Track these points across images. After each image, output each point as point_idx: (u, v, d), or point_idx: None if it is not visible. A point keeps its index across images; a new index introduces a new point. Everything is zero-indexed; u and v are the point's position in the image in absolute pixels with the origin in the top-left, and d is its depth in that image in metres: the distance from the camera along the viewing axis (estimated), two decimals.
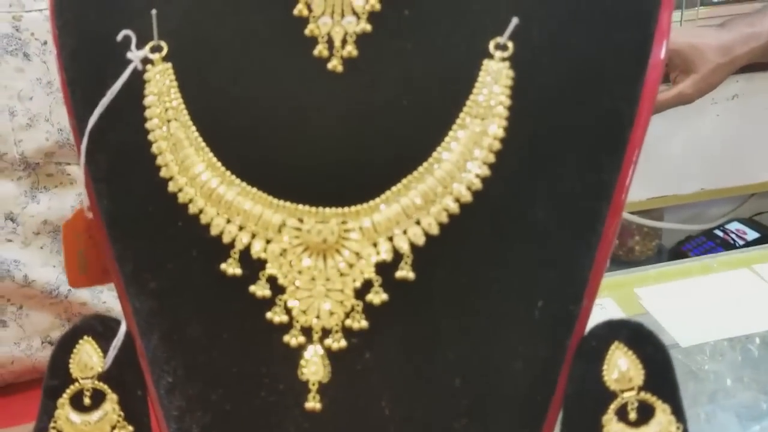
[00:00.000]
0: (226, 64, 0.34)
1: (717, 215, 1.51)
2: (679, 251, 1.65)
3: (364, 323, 0.33)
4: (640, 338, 0.34)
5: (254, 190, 0.33)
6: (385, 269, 0.33)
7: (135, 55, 0.34)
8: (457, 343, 0.34)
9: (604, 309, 0.72)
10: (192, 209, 0.34)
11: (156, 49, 0.34)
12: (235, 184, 0.33)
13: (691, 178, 1.36)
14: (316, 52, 0.34)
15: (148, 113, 0.34)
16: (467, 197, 0.32)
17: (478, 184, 0.32)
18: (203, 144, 0.34)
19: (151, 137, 0.34)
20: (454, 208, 0.32)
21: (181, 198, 0.34)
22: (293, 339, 0.33)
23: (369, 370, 0.34)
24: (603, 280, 0.76)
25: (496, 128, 0.33)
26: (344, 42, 0.34)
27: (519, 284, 0.34)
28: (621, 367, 0.33)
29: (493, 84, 0.33)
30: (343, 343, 0.33)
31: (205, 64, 0.35)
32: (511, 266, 0.34)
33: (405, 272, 0.33)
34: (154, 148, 0.34)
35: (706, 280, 0.76)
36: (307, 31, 0.34)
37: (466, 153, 0.32)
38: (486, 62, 0.33)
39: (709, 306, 0.72)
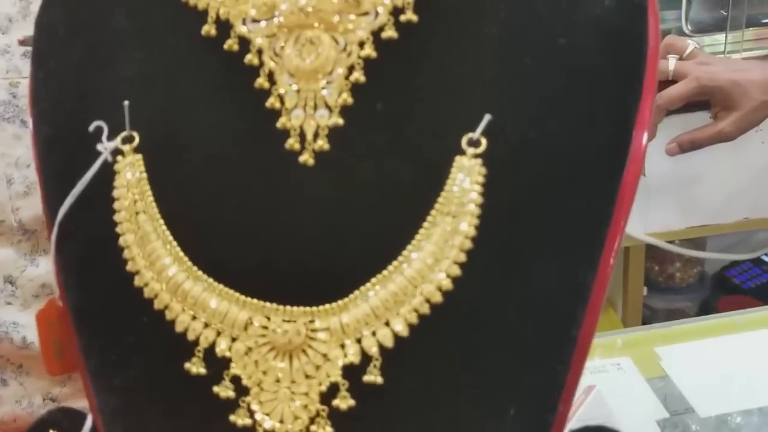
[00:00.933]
0: (197, 157, 0.34)
1: (763, 242, 1.46)
2: (722, 278, 1.61)
3: (329, 430, 0.32)
4: None
5: (221, 286, 0.33)
6: (352, 372, 0.32)
7: (105, 146, 0.34)
8: None
9: (621, 369, 0.70)
10: (157, 305, 0.33)
11: (127, 140, 0.34)
12: (202, 280, 0.33)
13: (734, 207, 1.33)
14: (287, 145, 0.33)
15: (116, 205, 0.34)
16: (437, 298, 0.31)
17: (448, 285, 0.32)
18: (170, 238, 0.33)
19: (118, 230, 0.34)
20: (425, 309, 0.32)
21: (147, 293, 0.33)
22: None
23: None
24: (622, 337, 0.74)
25: (467, 226, 0.32)
26: (316, 135, 0.33)
27: (490, 390, 0.33)
28: None
29: (465, 180, 0.32)
30: None
31: (175, 156, 0.34)
32: (482, 371, 0.33)
33: (373, 377, 0.32)
34: (121, 241, 0.34)
35: (733, 340, 0.73)
36: (278, 124, 0.34)
37: (436, 252, 0.32)
38: (458, 158, 0.32)
39: (734, 370, 0.69)
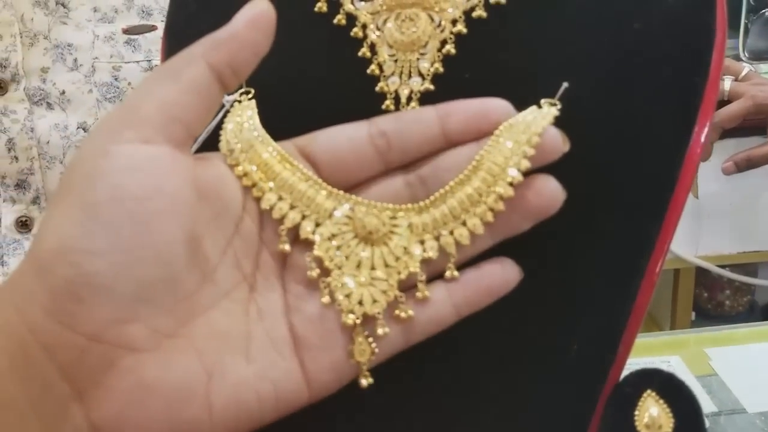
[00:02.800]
0: (306, 110, 0.39)
1: None
2: None
3: (410, 312, 0.34)
4: (671, 388, 0.36)
5: (313, 176, 0.35)
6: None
7: (227, 99, 0.38)
8: (479, 386, 0.36)
9: (671, 367, 0.72)
10: (245, 181, 0.35)
11: (246, 93, 0.39)
12: (295, 169, 0.35)
13: None
14: (384, 106, 0.38)
15: (224, 125, 0.37)
16: (510, 192, 0.34)
17: (520, 178, 0.34)
18: (273, 143, 0.36)
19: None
20: (500, 205, 0.34)
21: (237, 171, 0.35)
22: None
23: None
24: (672, 337, 0.76)
25: (538, 130, 0.34)
26: (409, 99, 0.38)
27: (557, 323, 0.36)
28: (652, 413, 0.35)
29: (538, 111, 0.35)
30: (386, 330, 0.34)
31: (286, 108, 0.39)
32: (548, 305, 0.36)
33: (450, 273, 0.35)
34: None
35: None
36: (377, 88, 0.38)
37: (507, 154, 0.34)
38: (533, 107, 0.36)
39: None
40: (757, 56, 1.30)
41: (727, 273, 1.32)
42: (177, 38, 0.43)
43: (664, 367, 0.72)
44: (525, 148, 0.34)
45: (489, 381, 0.37)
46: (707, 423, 0.65)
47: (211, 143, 0.38)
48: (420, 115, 0.36)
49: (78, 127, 0.75)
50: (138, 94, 0.33)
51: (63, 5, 0.76)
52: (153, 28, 0.77)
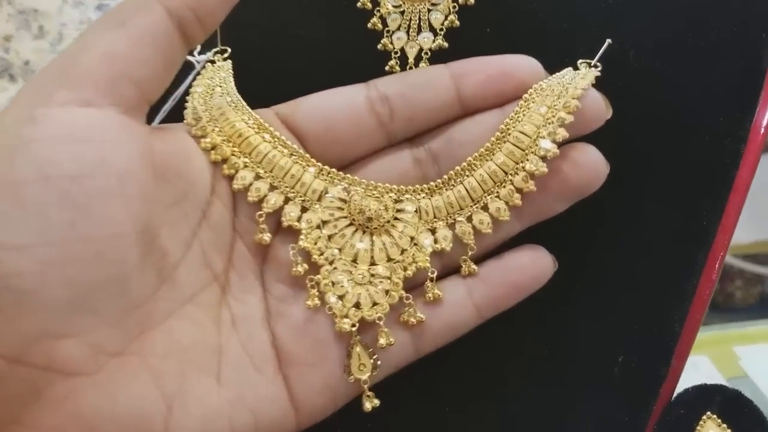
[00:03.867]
0: (291, 71, 0.33)
1: None
2: None
3: (419, 316, 0.29)
4: (737, 409, 0.30)
5: (300, 150, 0.29)
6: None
7: (197, 58, 0.32)
8: (518, 399, 0.31)
9: (697, 368, 0.66)
10: (214, 156, 0.29)
11: (220, 52, 0.32)
12: (278, 142, 0.29)
13: None
14: (387, 67, 0.32)
15: (194, 90, 0.31)
16: (543, 168, 0.28)
17: (555, 150, 0.28)
18: (249, 110, 0.30)
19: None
20: (530, 185, 0.28)
21: (203, 144, 0.29)
22: None
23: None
24: (698, 335, 0.70)
25: (578, 88, 0.28)
26: (418, 59, 0.32)
27: (599, 332, 0.31)
28: None
29: (576, 74, 0.29)
30: (391, 339, 0.28)
31: (268, 69, 0.33)
32: (587, 308, 0.31)
33: (466, 267, 0.29)
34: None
35: None
36: (379, 46, 0.32)
37: (539, 121, 0.28)
38: (569, 69, 0.30)
39: None
40: None
41: (740, 263, 1.26)
42: None
43: (691, 368, 0.67)
44: (561, 114, 0.28)
45: (518, 394, 0.32)
46: None
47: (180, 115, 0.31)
48: (429, 75, 0.30)
49: None
50: (77, 46, 0.26)
51: None
52: None
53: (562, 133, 0.28)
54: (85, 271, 0.24)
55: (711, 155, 0.30)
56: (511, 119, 0.29)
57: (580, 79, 0.29)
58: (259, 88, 0.31)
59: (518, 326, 0.30)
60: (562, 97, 0.28)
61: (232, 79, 0.30)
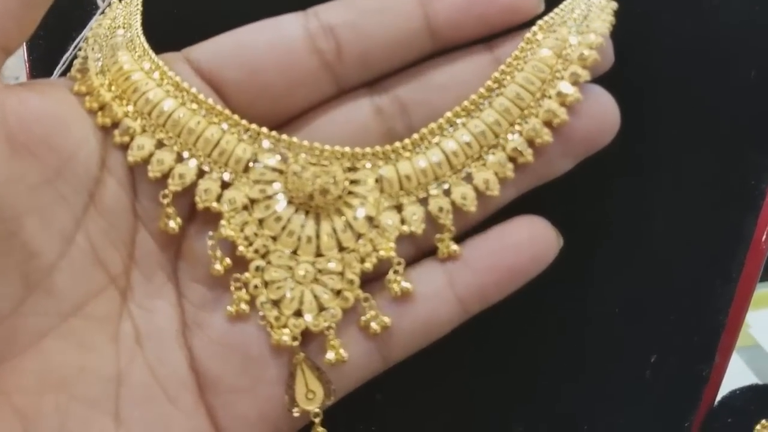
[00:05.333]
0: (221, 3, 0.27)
1: None
2: None
3: (384, 320, 0.23)
4: None
5: (210, 100, 0.23)
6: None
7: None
8: (529, 413, 0.26)
9: None
10: (102, 119, 0.23)
11: None
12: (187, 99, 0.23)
13: None
14: None
15: (89, 34, 0.25)
16: (547, 137, 0.22)
17: (563, 116, 0.22)
18: (154, 57, 0.23)
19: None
20: (528, 154, 0.22)
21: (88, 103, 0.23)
22: None
23: None
24: None
25: (595, 36, 0.22)
26: None
27: (625, 327, 0.26)
28: None
29: (589, 8, 0.23)
30: (343, 355, 0.23)
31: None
32: (613, 300, 0.26)
33: (444, 247, 0.23)
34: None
35: None
36: None
37: (544, 69, 0.23)
38: None
39: None
40: None
41: None
42: None
43: None
44: (575, 68, 0.22)
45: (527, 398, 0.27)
46: None
47: None
48: None
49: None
50: None
51: None
52: None
53: (584, 75, 0.22)
54: None
55: (759, 97, 0.25)
56: (508, 66, 0.23)
57: (597, 12, 0.23)
58: (178, 28, 0.25)
59: (523, 321, 0.26)
60: (580, 40, 0.22)
61: (139, 18, 0.24)
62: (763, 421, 0.25)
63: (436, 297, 0.24)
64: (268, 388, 0.23)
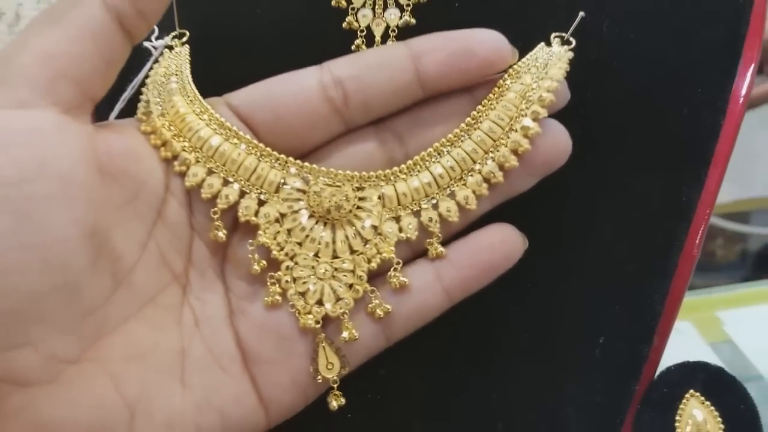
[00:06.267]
0: (253, 53, 0.32)
1: None
2: (765, 257, 1.56)
3: (386, 307, 0.28)
4: (719, 386, 0.30)
5: (255, 142, 0.28)
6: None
7: (154, 44, 0.31)
8: (500, 382, 0.30)
9: (680, 334, 0.66)
10: (164, 153, 0.28)
11: (178, 36, 0.31)
12: (231, 135, 0.28)
13: None
14: (353, 46, 0.31)
15: (148, 80, 0.30)
16: (513, 162, 0.27)
17: (527, 145, 0.27)
18: (206, 105, 0.28)
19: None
20: (498, 176, 0.28)
21: (153, 140, 0.28)
22: None
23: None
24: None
25: (551, 83, 0.28)
26: (385, 36, 0.31)
27: (578, 314, 0.30)
28: (696, 418, 0.29)
29: (549, 51, 0.28)
30: (355, 334, 0.28)
31: (229, 52, 0.32)
32: (568, 292, 0.30)
33: (433, 249, 0.28)
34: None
35: None
36: (344, 24, 0.31)
37: (511, 109, 0.28)
38: (542, 45, 0.29)
39: None
40: None
41: (720, 222, 1.27)
42: None
43: (674, 335, 0.67)
44: (536, 108, 0.27)
45: (497, 378, 0.31)
46: None
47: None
48: (386, 54, 0.28)
49: None
50: (13, 46, 0.25)
51: None
52: None
53: (534, 130, 0.27)
54: (29, 279, 0.23)
55: (689, 128, 0.30)
56: (483, 105, 0.28)
57: (555, 61, 0.28)
58: (219, 73, 0.30)
59: (496, 310, 0.30)
60: (540, 81, 0.28)
61: (188, 67, 0.29)
62: (691, 391, 0.29)
63: (427, 289, 0.28)
64: (298, 361, 0.28)
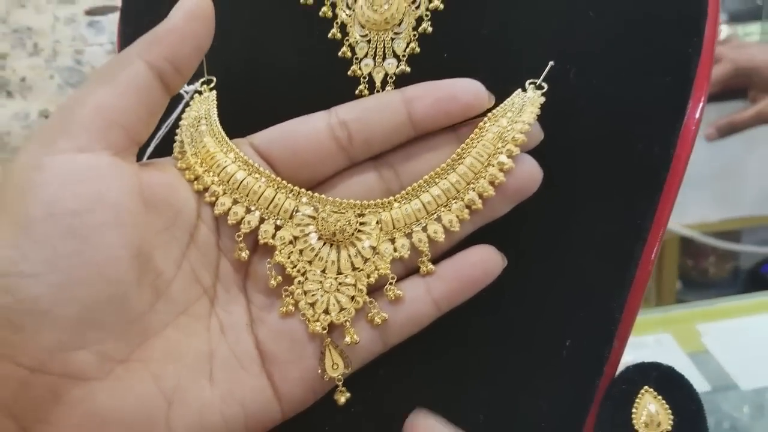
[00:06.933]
0: (273, 97, 0.36)
1: None
2: (757, 274, 1.59)
3: (383, 315, 0.32)
4: (670, 383, 0.34)
5: (272, 176, 0.33)
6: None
7: (186, 89, 0.36)
8: (481, 379, 0.34)
9: (662, 345, 0.70)
10: (196, 185, 0.33)
11: (206, 82, 0.36)
12: (254, 171, 0.32)
13: None
14: (357, 91, 0.35)
15: (180, 123, 0.35)
16: (490, 192, 0.32)
17: (502, 178, 0.32)
18: (232, 145, 0.33)
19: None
20: (478, 204, 0.32)
21: (188, 175, 0.33)
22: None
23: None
24: (663, 315, 0.75)
25: (523, 125, 0.32)
26: (384, 83, 0.35)
27: (549, 321, 0.34)
28: (650, 410, 0.33)
29: (524, 96, 0.33)
30: (356, 338, 0.32)
31: (252, 95, 0.36)
32: (537, 299, 0.34)
33: (424, 267, 0.33)
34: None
35: None
36: (349, 72, 0.35)
37: (489, 148, 0.32)
38: (518, 91, 0.33)
39: None
40: (735, 18, 1.28)
41: (711, 240, 1.31)
42: (132, 25, 0.40)
43: (655, 345, 0.71)
44: (510, 147, 0.32)
45: (478, 374, 0.35)
46: None
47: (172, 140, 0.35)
48: (383, 101, 0.33)
49: (40, 115, 0.72)
50: (73, 100, 0.30)
51: None
52: (116, 8, 0.73)
53: (509, 165, 0.32)
54: (89, 291, 0.28)
55: (643, 160, 0.34)
56: (467, 144, 0.32)
57: (528, 105, 0.32)
58: (242, 114, 0.35)
59: (476, 317, 0.34)
60: (514, 125, 0.32)
61: (215, 111, 0.34)
62: (646, 387, 0.33)
63: (419, 300, 0.32)
64: (308, 361, 0.32)
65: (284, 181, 0.32)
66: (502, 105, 0.33)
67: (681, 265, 1.53)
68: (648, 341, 0.71)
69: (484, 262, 0.32)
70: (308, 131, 0.33)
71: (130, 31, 0.40)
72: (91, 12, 0.71)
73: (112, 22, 0.74)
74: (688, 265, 1.58)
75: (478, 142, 0.32)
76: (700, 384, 0.66)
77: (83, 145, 0.29)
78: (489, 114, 0.33)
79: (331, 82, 0.36)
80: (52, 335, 0.27)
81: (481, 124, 0.32)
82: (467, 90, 0.32)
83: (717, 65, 1.03)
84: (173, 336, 0.31)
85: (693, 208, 1.31)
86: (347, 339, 0.32)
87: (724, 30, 1.09)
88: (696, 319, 0.74)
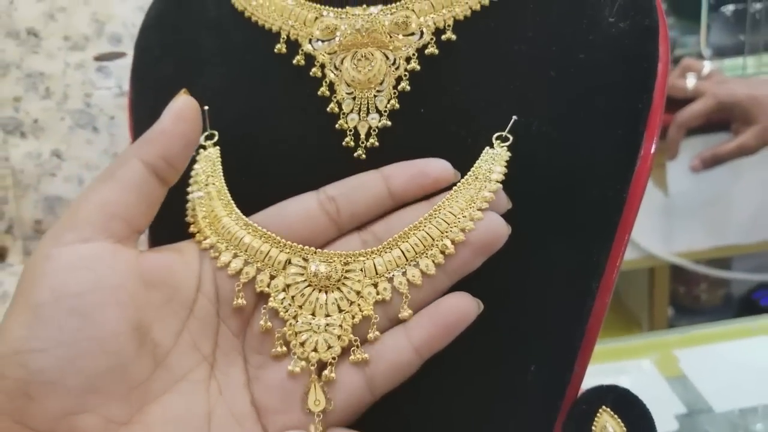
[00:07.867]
0: (270, 150, 0.40)
1: None
2: (749, 300, 1.61)
3: (364, 355, 0.35)
4: (625, 403, 0.37)
5: (267, 232, 0.36)
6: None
7: None
8: (456, 398, 0.37)
9: (640, 370, 0.74)
10: (202, 244, 0.37)
11: (209, 137, 0.40)
12: (250, 228, 0.37)
13: (759, 226, 1.34)
14: (344, 143, 0.39)
15: (191, 181, 0.39)
16: (461, 237, 0.35)
17: (471, 226, 0.35)
18: (234, 207, 0.38)
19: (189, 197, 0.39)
20: (451, 249, 0.35)
21: (197, 236, 0.37)
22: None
23: None
24: (641, 341, 0.78)
25: (494, 182, 0.36)
26: (368, 135, 0.39)
27: (515, 349, 0.37)
28: (607, 429, 0.37)
29: (492, 158, 0.37)
30: (332, 375, 0.34)
31: (251, 149, 0.40)
32: (503, 332, 0.37)
33: (406, 313, 0.35)
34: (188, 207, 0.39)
35: (749, 344, 0.76)
36: (337, 126, 0.39)
37: (463, 206, 0.36)
38: (487, 148, 0.38)
39: (750, 371, 0.73)
40: (719, 53, 1.32)
41: (701, 268, 1.34)
42: (142, 81, 0.44)
43: (635, 370, 0.75)
44: (478, 203, 0.36)
45: (453, 396, 0.37)
46: (677, 424, 0.67)
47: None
48: (365, 178, 0.37)
49: (51, 155, 0.76)
50: (80, 199, 0.34)
51: (34, 35, 0.76)
52: (123, 54, 0.78)
53: (479, 215, 0.36)
54: (92, 362, 0.31)
55: (598, 204, 0.37)
56: (440, 205, 0.36)
57: (496, 165, 0.37)
58: (243, 163, 0.39)
59: (448, 347, 0.36)
60: (482, 189, 0.36)
61: (221, 170, 0.39)
62: (604, 407, 0.36)
63: (399, 347, 0.34)
64: (298, 409, 0.34)
65: (278, 237, 0.36)
66: (474, 167, 0.37)
67: (673, 291, 1.55)
68: (630, 367, 0.75)
69: (459, 307, 0.35)
70: (301, 208, 0.37)
71: (139, 87, 0.44)
72: (99, 58, 0.75)
73: (119, 67, 0.78)
74: (680, 292, 1.60)
75: (454, 201, 0.36)
76: (678, 408, 0.69)
77: (87, 236, 0.33)
78: (462, 180, 0.37)
79: (321, 134, 0.40)
80: (60, 402, 0.30)
81: (455, 188, 0.36)
82: (436, 168, 0.36)
83: (700, 100, 1.07)
84: (173, 400, 0.33)
85: (683, 237, 1.34)
86: (325, 372, 0.34)
87: (707, 65, 1.13)
88: (674, 345, 0.77)
